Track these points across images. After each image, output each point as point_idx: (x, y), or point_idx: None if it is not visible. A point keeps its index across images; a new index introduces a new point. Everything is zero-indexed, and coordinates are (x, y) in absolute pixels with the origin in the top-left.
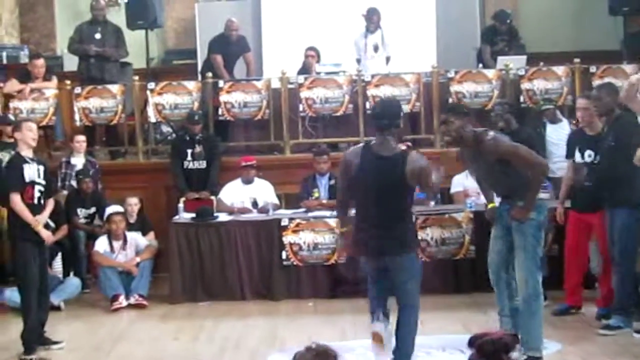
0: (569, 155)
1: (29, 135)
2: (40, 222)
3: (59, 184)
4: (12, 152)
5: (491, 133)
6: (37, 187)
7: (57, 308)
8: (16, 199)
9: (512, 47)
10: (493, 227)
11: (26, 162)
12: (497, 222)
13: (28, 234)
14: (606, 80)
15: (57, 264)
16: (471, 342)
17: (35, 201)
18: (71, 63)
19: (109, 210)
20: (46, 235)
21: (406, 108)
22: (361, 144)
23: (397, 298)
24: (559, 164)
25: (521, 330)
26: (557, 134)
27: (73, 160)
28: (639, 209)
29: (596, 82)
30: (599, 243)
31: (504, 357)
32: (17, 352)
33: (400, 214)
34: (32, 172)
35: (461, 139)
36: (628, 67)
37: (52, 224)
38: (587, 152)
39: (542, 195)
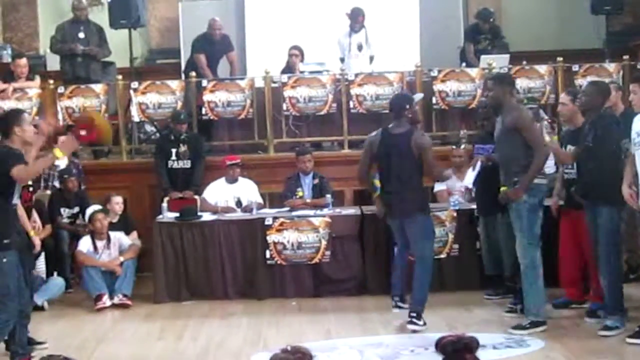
0: None
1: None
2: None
3: (42, 184)
4: None
5: (522, 106)
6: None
7: (41, 308)
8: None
9: (495, 46)
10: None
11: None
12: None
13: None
14: (589, 79)
15: (41, 264)
16: (436, 345)
17: (32, 204)
18: (54, 62)
19: (91, 209)
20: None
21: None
22: (380, 129)
23: (413, 253)
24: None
25: (523, 298)
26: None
27: (56, 161)
28: (621, 209)
29: (579, 81)
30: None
31: (466, 357)
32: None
33: (412, 181)
34: None
35: (498, 106)
36: (610, 66)
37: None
38: (569, 147)
39: (538, 179)
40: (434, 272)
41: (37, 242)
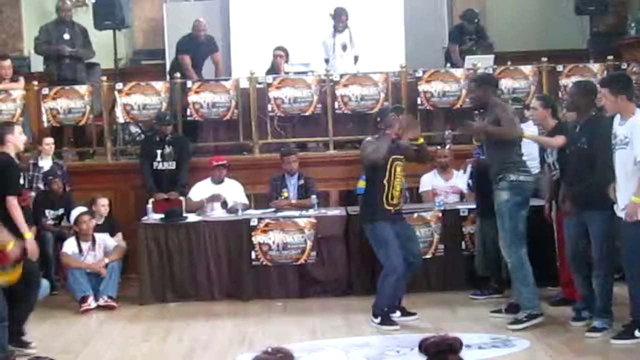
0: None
1: (21, 138)
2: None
3: (26, 185)
4: None
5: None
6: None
7: None
8: (14, 202)
9: (480, 46)
10: None
11: (17, 165)
12: None
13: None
14: (573, 79)
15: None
16: (420, 346)
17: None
18: (38, 64)
19: (77, 211)
20: (32, 248)
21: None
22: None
23: None
24: (528, 162)
25: (516, 295)
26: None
27: (40, 163)
28: (613, 213)
29: (563, 81)
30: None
31: (450, 357)
32: None
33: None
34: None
35: (481, 106)
36: (594, 66)
37: None
38: (549, 150)
39: (522, 177)
40: (419, 272)
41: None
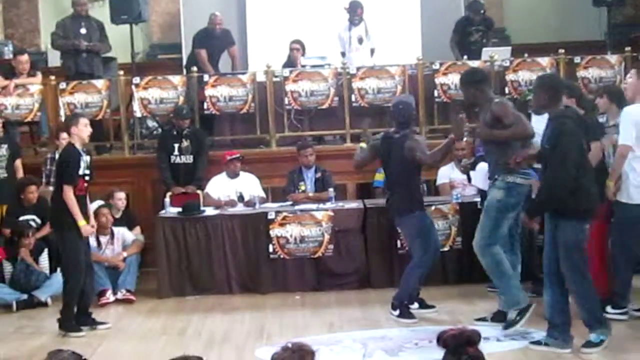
0: None
1: (85, 130)
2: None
3: (44, 180)
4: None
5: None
6: (85, 179)
7: (44, 304)
8: (70, 193)
9: (488, 38)
10: None
11: (81, 155)
12: None
13: (76, 222)
14: (590, 71)
15: (44, 260)
16: (438, 339)
17: (85, 192)
18: (55, 58)
19: (95, 205)
20: (87, 230)
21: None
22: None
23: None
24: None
25: (499, 293)
26: (541, 124)
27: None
28: (586, 222)
29: (581, 73)
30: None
31: (469, 350)
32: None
33: (404, 181)
34: (84, 164)
35: (472, 106)
36: (612, 58)
37: (37, 220)
38: None
39: (519, 179)
40: (436, 265)
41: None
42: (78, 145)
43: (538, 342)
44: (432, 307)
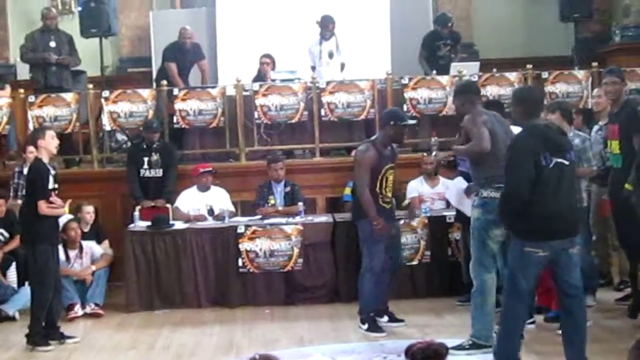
0: None
1: (53, 143)
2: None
3: (11, 193)
4: None
5: (479, 112)
6: (55, 192)
7: (12, 318)
8: (44, 207)
9: (456, 53)
10: None
11: (48, 169)
12: None
13: (47, 236)
14: (558, 86)
15: (12, 274)
16: (406, 352)
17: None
18: (24, 71)
19: (64, 218)
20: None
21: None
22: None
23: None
24: None
25: (472, 320)
26: None
27: (25, 170)
28: (532, 244)
29: (548, 88)
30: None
31: None
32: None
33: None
34: (51, 179)
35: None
36: (579, 73)
37: (5, 234)
38: None
39: (493, 194)
40: (405, 278)
41: None
42: (45, 159)
43: None
44: (402, 320)
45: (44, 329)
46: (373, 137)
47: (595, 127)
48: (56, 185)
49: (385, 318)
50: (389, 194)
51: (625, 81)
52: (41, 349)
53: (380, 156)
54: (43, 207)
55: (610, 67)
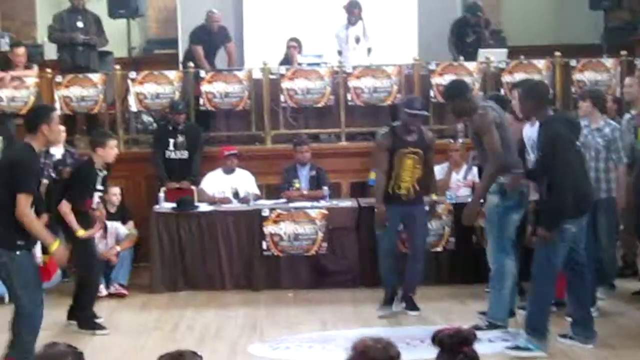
0: None
1: (112, 154)
2: None
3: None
4: None
5: (487, 106)
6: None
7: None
8: (67, 209)
9: (484, 39)
10: None
11: (96, 175)
12: None
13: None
14: (586, 74)
15: (38, 253)
16: (433, 338)
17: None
18: (52, 51)
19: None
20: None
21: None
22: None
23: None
24: None
25: (489, 302)
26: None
27: (52, 150)
28: (567, 221)
29: (576, 76)
30: None
31: (464, 350)
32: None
33: None
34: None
35: (461, 116)
36: (608, 61)
37: None
38: None
39: None
40: (429, 265)
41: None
42: (98, 165)
43: (564, 336)
44: (417, 309)
45: (70, 309)
46: (396, 122)
47: (627, 116)
48: (102, 188)
49: (403, 304)
50: (408, 178)
51: None
52: (100, 332)
53: (397, 140)
54: (67, 209)
55: None
